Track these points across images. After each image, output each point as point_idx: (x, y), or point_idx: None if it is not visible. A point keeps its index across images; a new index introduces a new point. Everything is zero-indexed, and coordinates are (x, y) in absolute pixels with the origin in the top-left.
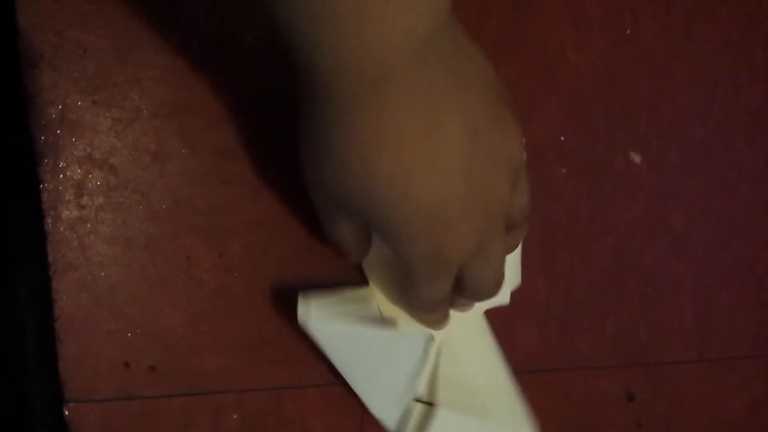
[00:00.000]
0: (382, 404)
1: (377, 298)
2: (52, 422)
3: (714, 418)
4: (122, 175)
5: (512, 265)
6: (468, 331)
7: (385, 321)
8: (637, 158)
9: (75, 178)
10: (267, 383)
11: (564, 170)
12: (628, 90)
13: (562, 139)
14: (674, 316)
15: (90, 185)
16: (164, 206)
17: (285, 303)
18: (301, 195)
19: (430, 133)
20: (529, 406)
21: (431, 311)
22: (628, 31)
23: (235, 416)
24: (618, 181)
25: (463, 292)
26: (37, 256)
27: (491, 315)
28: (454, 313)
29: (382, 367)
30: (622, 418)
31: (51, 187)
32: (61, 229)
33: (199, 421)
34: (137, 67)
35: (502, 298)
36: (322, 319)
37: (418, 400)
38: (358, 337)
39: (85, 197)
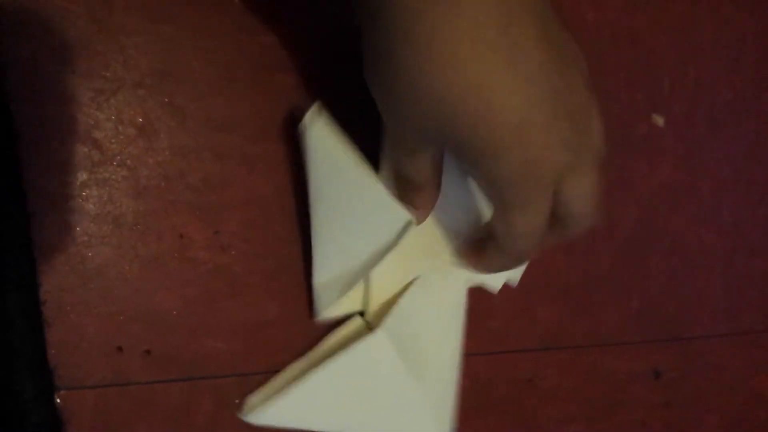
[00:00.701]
0: (328, 268)
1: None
2: (44, 411)
3: (747, 395)
4: (107, 150)
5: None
6: (445, 296)
7: (377, 185)
8: (660, 121)
9: (57, 153)
10: (270, 366)
11: None
12: (650, 50)
13: None
14: (703, 288)
15: (73, 161)
16: (153, 182)
17: (286, 282)
18: (298, 168)
19: (506, 29)
20: (550, 385)
21: (527, 246)
22: None
23: (237, 401)
24: (641, 146)
25: (557, 222)
26: (20, 236)
27: (506, 294)
28: (439, 275)
29: (353, 221)
30: (648, 397)
31: (32, 163)
32: (45, 208)
33: (200, 407)
34: (119, 35)
35: (495, 286)
36: (326, 132)
37: (362, 315)
38: (350, 172)
39: (69, 173)
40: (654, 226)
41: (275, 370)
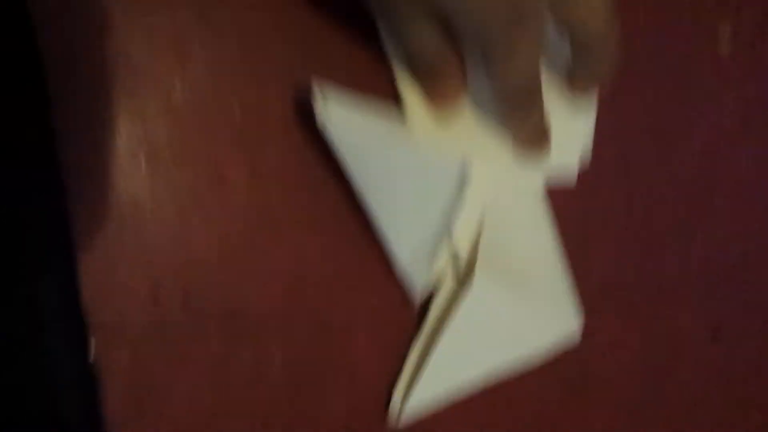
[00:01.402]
0: (408, 248)
1: (413, 120)
2: (79, 360)
3: None
4: (141, 73)
5: (581, 135)
6: (521, 201)
7: (415, 145)
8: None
9: (82, 69)
10: (312, 319)
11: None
12: None
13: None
14: None
15: (105, 84)
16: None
17: (332, 229)
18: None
19: None
20: (602, 340)
21: (525, 86)
22: None
23: (278, 355)
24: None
25: (575, 48)
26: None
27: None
28: (506, 181)
29: (410, 199)
30: (706, 359)
31: (57, 79)
32: (71, 132)
33: (241, 359)
34: None
35: (569, 170)
36: (345, 120)
37: (454, 256)
38: (383, 143)
39: (100, 97)
40: (717, 167)
41: (319, 324)
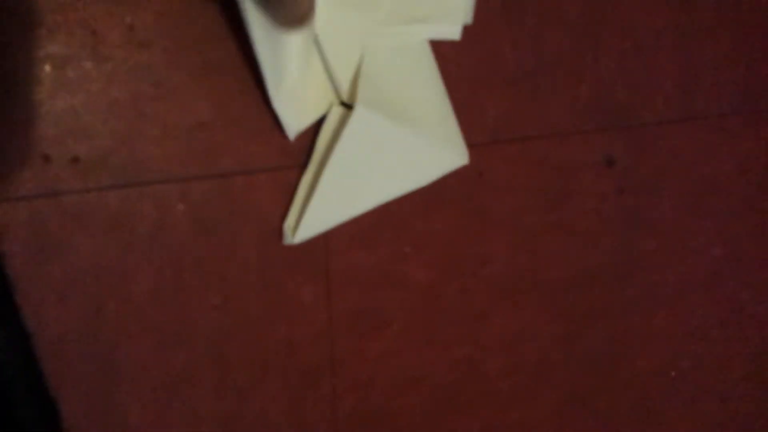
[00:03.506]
0: (278, 81)
1: None
2: None
3: (700, 181)
4: None
5: None
6: (402, 47)
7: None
8: None
9: None
10: (210, 170)
11: None
12: None
13: None
14: (655, 72)
15: None
16: None
17: (216, 81)
18: None
19: None
20: (501, 177)
21: None
22: None
23: (181, 207)
24: None
25: None
26: None
27: (451, 85)
28: (389, 32)
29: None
30: (601, 185)
31: None
32: None
33: (141, 215)
34: None
35: (452, 31)
36: None
37: (342, 104)
38: None
39: None
40: (604, 8)
41: (217, 174)
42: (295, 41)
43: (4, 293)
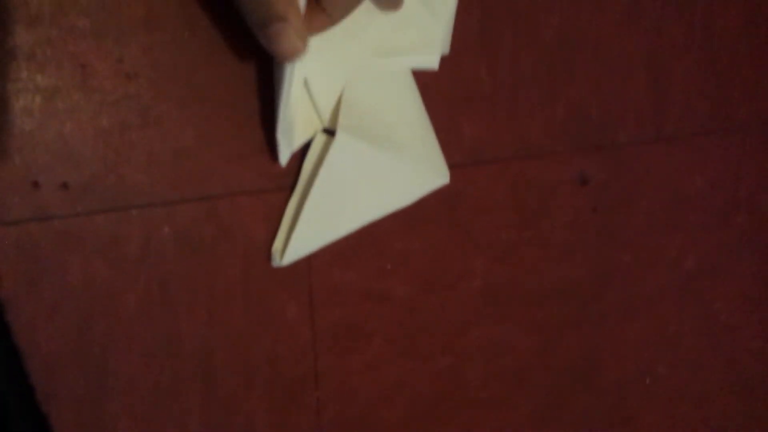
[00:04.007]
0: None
1: None
2: None
3: (673, 197)
4: None
5: (440, 26)
6: (383, 73)
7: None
8: None
9: None
10: (195, 194)
11: None
12: None
13: None
14: (627, 92)
15: None
16: (45, 8)
17: (200, 108)
18: None
19: None
20: (479, 196)
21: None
22: None
23: (166, 229)
24: None
25: None
26: None
27: (429, 108)
28: (370, 64)
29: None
30: (576, 203)
31: None
32: None
33: (130, 237)
34: None
35: (430, 60)
36: None
37: (326, 131)
38: None
39: None
40: (578, 30)
41: (202, 197)
42: (290, 69)
43: None
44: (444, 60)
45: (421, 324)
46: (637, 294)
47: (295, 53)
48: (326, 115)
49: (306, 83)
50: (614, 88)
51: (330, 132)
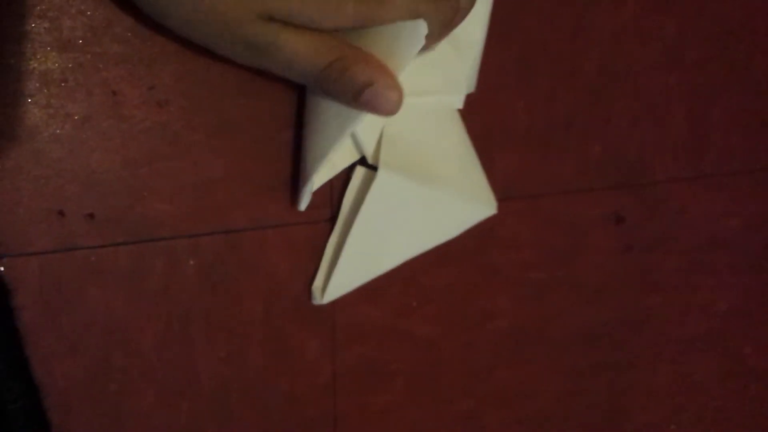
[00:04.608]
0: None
1: None
2: None
3: (708, 238)
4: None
5: (466, 65)
6: (424, 111)
7: None
8: None
9: None
10: (221, 226)
11: None
12: None
13: None
14: (666, 132)
15: None
16: (78, 33)
17: (230, 139)
18: None
19: None
20: (510, 233)
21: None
22: None
23: (191, 262)
24: None
25: None
26: None
27: None
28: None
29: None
30: (609, 242)
31: None
32: None
33: (152, 270)
34: None
35: (455, 100)
36: None
37: (363, 164)
38: None
39: None
40: (617, 69)
41: (228, 230)
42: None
43: (15, 346)
44: (480, 94)
45: (444, 365)
46: (667, 338)
47: (396, 106)
48: (369, 149)
49: None
50: (652, 126)
51: (371, 167)
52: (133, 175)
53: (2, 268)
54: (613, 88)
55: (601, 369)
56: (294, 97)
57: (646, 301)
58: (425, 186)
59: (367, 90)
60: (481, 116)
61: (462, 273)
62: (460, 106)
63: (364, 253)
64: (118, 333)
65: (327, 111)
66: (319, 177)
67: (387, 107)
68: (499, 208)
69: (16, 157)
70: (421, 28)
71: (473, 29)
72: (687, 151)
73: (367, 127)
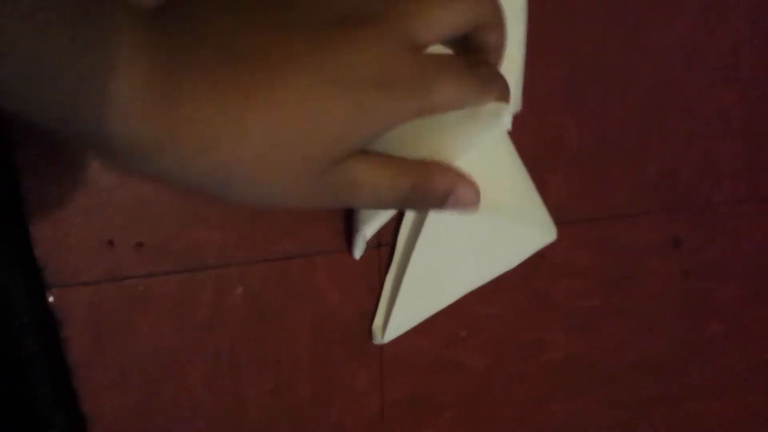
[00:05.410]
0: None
1: None
2: (37, 310)
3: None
4: None
5: (510, 84)
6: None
7: None
8: None
9: None
10: (269, 254)
11: None
12: None
13: None
14: (722, 151)
15: None
16: None
17: None
18: None
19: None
20: (562, 258)
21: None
22: None
23: (239, 290)
24: (655, 1)
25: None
26: None
27: None
28: None
29: None
30: (665, 268)
31: None
32: None
33: (200, 299)
34: None
35: (503, 121)
36: None
37: None
38: None
39: None
40: (670, 88)
41: (276, 258)
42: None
43: (64, 378)
44: (530, 115)
45: (494, 397)
46: (726, 368)
47: (477, 202)
48: None
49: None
50: (708, 146)
51: None
52: (182, 203)
53: (52, 299)
54: (667, 107)
55: (657, 401)
56: None
57: (704, 329)
58: (481, 216)
59: (449, 199)
60: (532, 136)
61: (512, 301)
62: (509, 126)
63: (424, 289)
64: (166, 364)
65: None
66: (372, 226)
67: (469, 207)
68: None
69: (66, 187)
70: (504, 110)
71: (511, 48)
72: (744, 170)
73: None
